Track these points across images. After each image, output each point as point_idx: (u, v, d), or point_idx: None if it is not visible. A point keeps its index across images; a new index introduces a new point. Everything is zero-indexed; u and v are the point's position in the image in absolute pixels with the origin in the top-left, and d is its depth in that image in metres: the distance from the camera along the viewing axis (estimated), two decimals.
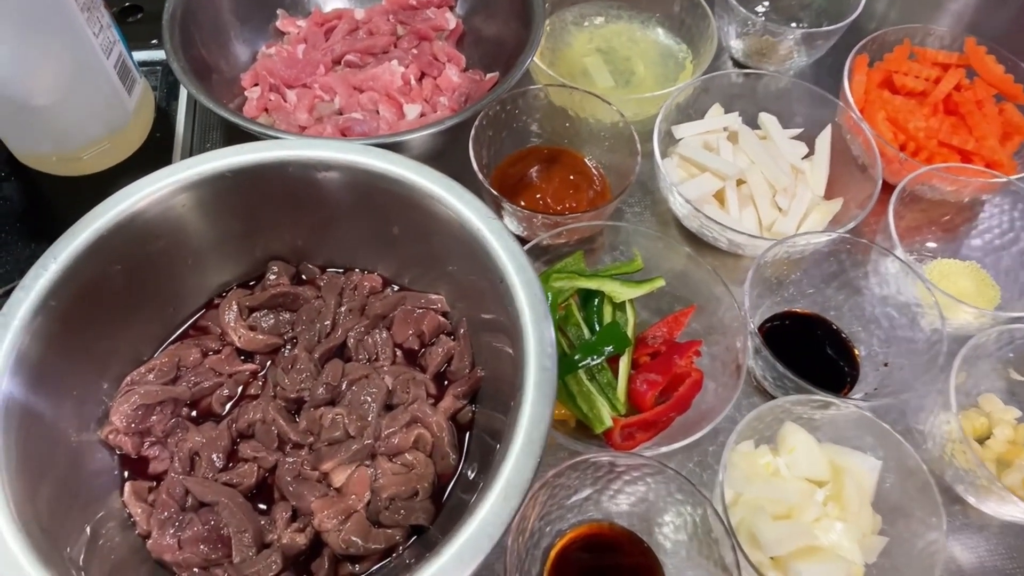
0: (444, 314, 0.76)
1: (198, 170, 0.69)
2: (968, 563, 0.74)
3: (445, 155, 0.85)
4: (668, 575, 0.69)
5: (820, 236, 0.80)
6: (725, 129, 0.94)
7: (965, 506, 0.77)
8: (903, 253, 0.79)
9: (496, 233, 0.66)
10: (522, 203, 0.81)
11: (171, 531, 0.60)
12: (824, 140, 0.94)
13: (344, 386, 0.70)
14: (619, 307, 0.80)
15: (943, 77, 1.00)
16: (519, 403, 0.58)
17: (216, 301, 0.75)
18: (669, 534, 0.70)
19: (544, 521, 0.70)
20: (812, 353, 0.84)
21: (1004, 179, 0.89)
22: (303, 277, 0.79)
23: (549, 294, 0.73)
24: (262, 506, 0.64)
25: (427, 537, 0.64)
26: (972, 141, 0.94)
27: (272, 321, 0.75)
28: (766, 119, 0.95)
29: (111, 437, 0.63)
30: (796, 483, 0.70)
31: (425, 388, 0.71)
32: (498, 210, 0.84)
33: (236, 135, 0.84)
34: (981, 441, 0.78)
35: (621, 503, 0.72)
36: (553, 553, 0.70)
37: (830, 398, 0.70)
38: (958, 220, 0.94)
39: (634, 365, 0.78)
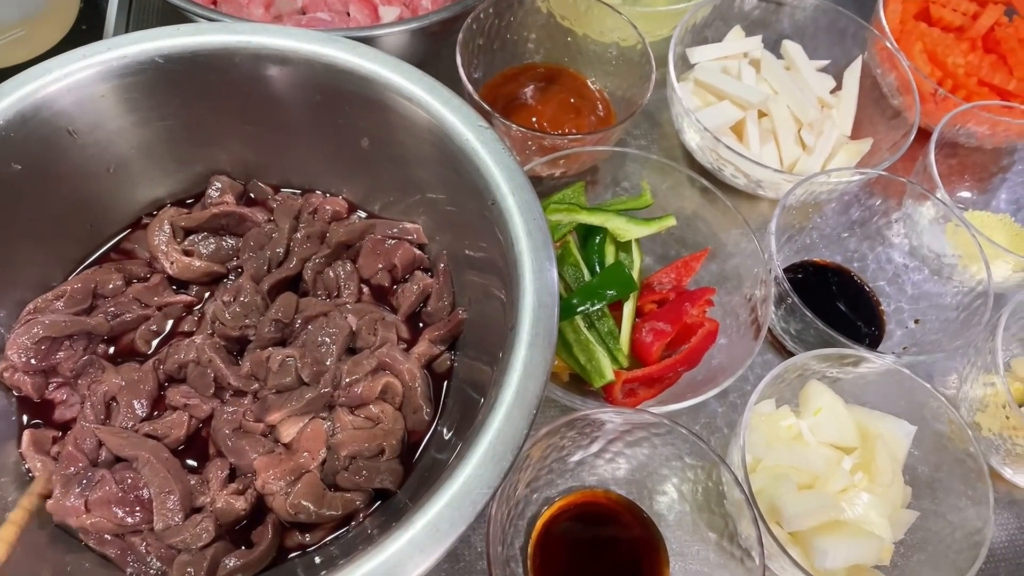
0: (421, 246, 0.65)
1: (122, 52, 0.56)
2: (997, 541, 0.67)
3: (426, 67, 0.72)
4: (670, 550, 0.61)
5: (856, 174, 0.71)
6: (745, 56, 0.83)
7: (995, 480, 0.69)
8: (945, 196, 0.70)
9: (488, 145, 0.55)
10: (514, 125, 0.69)
11: (77, 490, 0.50)
12: (853, 73, 0.84)
13: (298, 324, 0.59)
14: (623, 247, 0.70)
15: (981, 13, 0.91)
16: (511, 346, 0.48)
17: (145, 220, 0.63)
18: (673, 504, 0.61)
19: (531, 488, 0.60)
20: (833, 307, 0.75)
21: None
22: (252, 197, 0.67)
23: None
24: (192, 463, 0.55)
25: (393, 503, 0.55)
26: (1014, 81, 0.85)
27: (213, 246, 0.63)
28: (790, 47, 0.85)
29: (7, 375, 0.55)
30: (821, 449, 0.61)
31: (396, 330, 0.60)
32: None
33: None
34: None
35: (620, 467, 0.62)
36: (540, 524, 0.61)
37: (866, 353, 0.61)
38: (992, 170, 0.86)
39: (639, 313, 0.68)
